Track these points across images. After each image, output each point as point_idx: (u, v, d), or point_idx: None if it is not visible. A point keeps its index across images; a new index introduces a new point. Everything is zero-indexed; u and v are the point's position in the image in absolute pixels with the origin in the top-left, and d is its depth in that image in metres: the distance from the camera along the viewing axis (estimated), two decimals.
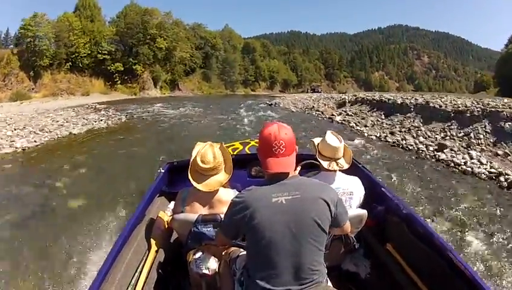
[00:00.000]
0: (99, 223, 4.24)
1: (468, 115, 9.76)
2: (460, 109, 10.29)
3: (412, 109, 12.51)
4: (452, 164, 7.28)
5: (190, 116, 17.97)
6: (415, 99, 13.36)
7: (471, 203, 5.16)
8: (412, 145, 9.20)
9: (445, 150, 8.14)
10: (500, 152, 7.70)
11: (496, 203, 5.14)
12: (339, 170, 1.84)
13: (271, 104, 25.02)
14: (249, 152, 2.69)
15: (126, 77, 41.92)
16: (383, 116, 13.86)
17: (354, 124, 13.38)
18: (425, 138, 9.76)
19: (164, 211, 2.11)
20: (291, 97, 32.81)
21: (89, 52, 39.07)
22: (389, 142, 10.06)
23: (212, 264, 1.61)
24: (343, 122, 14.44)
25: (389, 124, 12.55)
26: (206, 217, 1.63)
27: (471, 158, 7.38)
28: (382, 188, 2.14)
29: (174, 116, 17.95)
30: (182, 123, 15.43)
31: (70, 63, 37.83)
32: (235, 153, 2.63)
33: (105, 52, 39.89)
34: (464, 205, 5.02)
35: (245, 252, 1.41)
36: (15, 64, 34.30)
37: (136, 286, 1.56)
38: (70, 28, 37.39)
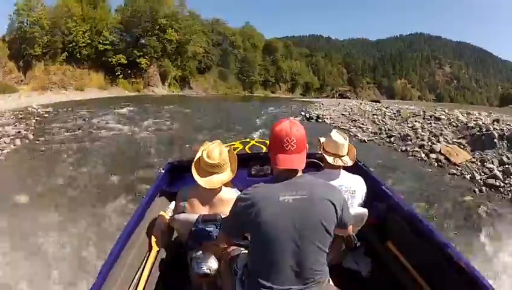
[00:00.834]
0: None
1: None
2: None
3: None
4: None
5: (164, 141, 9.40)
6: None
7: None
8: None
9: None
10: None
11: None
12: (342, 168, 1.86)
13: (309, 118, 15.44)
14: (249, 151, 2.80)
15: (129, 71, 36.59)
16: None
17: None
18: None
19: (165, 211, 2.03)
20: (331, 104, 24.24)
21: (89, 41, 34.07)
22: None
23: (213, 263, 1.58)
24: None
25: None
26: (206, 216, 1.57)
27: None
28: (383, 187, 2.14)
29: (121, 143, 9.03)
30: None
31: (66, 53, 33.01)
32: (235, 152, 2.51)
33: (107, 42, 34.82)
34: None
35: (246, 252, 1.43)
36: (3, 52, 29.75)
37: (137, 286, 1.57)
38: (69, 14, 32.63)
